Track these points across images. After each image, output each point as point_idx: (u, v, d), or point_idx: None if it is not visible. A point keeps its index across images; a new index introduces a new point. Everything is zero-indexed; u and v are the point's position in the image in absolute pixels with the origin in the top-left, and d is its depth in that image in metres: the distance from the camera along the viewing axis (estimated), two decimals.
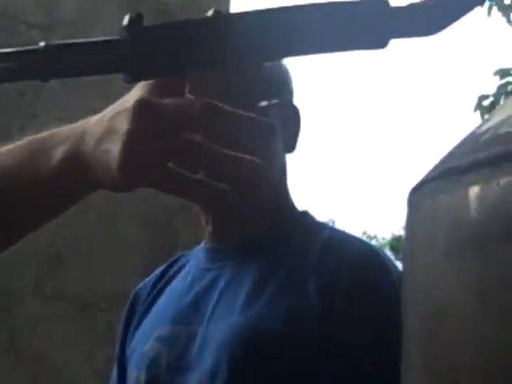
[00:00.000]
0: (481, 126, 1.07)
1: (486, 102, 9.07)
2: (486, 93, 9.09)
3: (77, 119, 3.28)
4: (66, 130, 1.39)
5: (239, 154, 1.24)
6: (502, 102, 8.97)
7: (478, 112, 9.05)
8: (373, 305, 1.91)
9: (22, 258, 3.09)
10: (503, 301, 0.90)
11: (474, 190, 0.95)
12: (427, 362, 1.00)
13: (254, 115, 1.27)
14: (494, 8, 8.89)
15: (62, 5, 3.25)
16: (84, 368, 3.09)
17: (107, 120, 1.28)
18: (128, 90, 2.72)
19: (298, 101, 2.10)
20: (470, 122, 9.77)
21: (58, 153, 1.35)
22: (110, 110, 1.31)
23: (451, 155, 1.04)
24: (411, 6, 1.02)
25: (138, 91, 1.24)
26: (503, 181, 0.93)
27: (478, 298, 0.94)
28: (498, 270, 0.92)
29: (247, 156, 1.21)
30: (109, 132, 1.26)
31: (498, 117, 1.05)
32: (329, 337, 1.88)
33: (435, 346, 0.99)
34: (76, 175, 1.32)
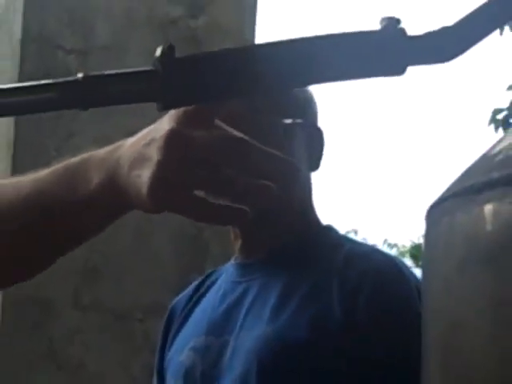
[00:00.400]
0: (494, 146, 1.08)
1: (499, 116, 9.03)
2: (499, 107, 9.05)
3: (112, 139, 3.29)
4: (102, 153, 1.40)
5: (262, 182, 1.26)
6: None
7: (493, 125, 9.01)
8: (393, 314, 1.91)
9: (62, 271, 3.10)
10: None
11: (489, 208, 0.96)
12: (443, 372, 1.01)
13: (280, 154, 1.30)
14: (506, 28, 8.87)
15: (96, 31, 3.26)
16: (120, 376, 3.09)
17: (141, 146, 1.30)
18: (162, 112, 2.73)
19: (322, 123, 2.10)
20: (484, 134, 9.69)
21: (96, 176, 1.36)
22: (145, 134, 1.33)
23: (466, 174, 1.05)
24: (427, 34, 1.02)
25: (170, 119, 1.25)
26: None
27: (492, 311, 0.94)
28: (511, 284, 0.93)
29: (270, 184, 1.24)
30: (141, 159, 1.28)
31: (510, 138, 1.06)
32: (350, 348, 1.89)
33: (451, 358, 0.99)
34: (112, 197, 1.34)
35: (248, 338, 1.97)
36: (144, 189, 1.25)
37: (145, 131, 1.35)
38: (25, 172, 3.04)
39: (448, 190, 1.06)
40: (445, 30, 1.04)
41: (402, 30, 1.02)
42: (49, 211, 1.41)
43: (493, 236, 0.95)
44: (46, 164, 3.10)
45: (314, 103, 2.11)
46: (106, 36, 3.27)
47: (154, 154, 1.25)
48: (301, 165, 2.04)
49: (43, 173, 1.48)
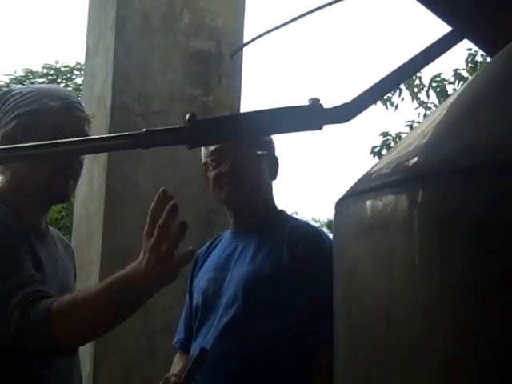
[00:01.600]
0: (372, 168, 1.07)
1: (375, 150, 9.03)
2: (375, 145, 9.07)
3: (164, 165, 3.23)
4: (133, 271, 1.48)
5: None
6: (384, 149, 8.93)
7: (371, 155, 9.01)
8: (317, 257, 1.91)
9: (135, 237, 3.08)
10: (387, 262, 0.90)
11: (369, 203, 0.96)
12: (346, 293, 1.00)
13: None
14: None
15: (152, 102, 3.25)
16: (167, 293, 3.05)
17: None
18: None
19: (277, 152, 2.12)
20: (366, 160, 9.67)
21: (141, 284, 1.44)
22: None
23: (357, 184, 1.04)
24: (335, 107, 1.02)
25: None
26: (384, 197, 0.93)
27: (371, 261, 0.93)
28: (382, 245, 0.93)
29: None
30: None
31: (381, 163, 1.05)
32: (294, 274, 1.90)
33: (350, 285, 0.99)
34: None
35: (237, 273, 1.97)
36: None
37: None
38: (113, 181, 3.06)
39: (347, 191, 1.06)
40: (345, 105, 1.04)
41: (321, 105, 1.02)
42: (115, 305, 1.47)
43: (372, 218, 0.94)
44: (126, 176, 3.09)
45: (272, 142, 2.11)
46: (157, 105, 3.25)
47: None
48: (266, 175, 2.06)
49: (107, 283, 1.50)
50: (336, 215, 1.07)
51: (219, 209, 3.22)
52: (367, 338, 0.91)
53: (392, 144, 8.97)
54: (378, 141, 9.09)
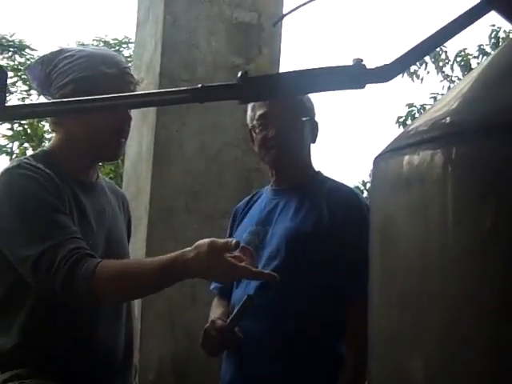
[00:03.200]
0: (409, 126, 1.06)
1: (401, 120, 8.93)
2: (400, 115, 8.97)
3: (206, 128, 3.25)
4: (185, 258, 1.47)
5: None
6: (409, 120, 8.83)
7: (397, 125, 8.92)
8: (355, 220, 1.89)
9: (180, 192, 3.11)
10: (422, 214, 0.89)
11: (407, 158, 0.95)
12: (383, 242, 1.00)
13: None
14: (405, 73, 8.74)
15: (197, 69, 3.23)
16: None
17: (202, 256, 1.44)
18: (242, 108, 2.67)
19: (318, 118, 2.12)
20: (392, 130, 9.59)
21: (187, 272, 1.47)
22: (195, 250, 1.47)
23: (395, 141, 1.03)
24: (377, 67, 1.01)
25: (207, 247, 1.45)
26: (421, 153, 0.92)
27: (408, 213, 0.93)
28: (418, 198, 0.92)
29: None
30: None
31: (417, 122, 1.04)
32: (333, 234, 1.90)
33: (387, 234, 0.98)
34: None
35: (280, 228, 1.97)
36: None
37: (194, 246, 1.49)
38: (161, 142, 3.08)
39: (385, 148, 1.05)
40: (386, 65, 1.02)
41: (364, 65, 1.01)
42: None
43: (409, 172, 0.94)
44: (172, 138, 3.11)
45: (314, 108, 2.11)
46: (202, 73, 3.24)
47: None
48: (308, 139, 2.06)
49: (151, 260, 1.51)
50: (374, 170, 1.06)
51: (257, 169, 3.24)
52: (402, 283, 0.90)
53: (417, 115, 8.86)
54: (404, 111, 8.99)
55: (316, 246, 1.89)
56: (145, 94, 1.07)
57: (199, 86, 0.94)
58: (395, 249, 0.94)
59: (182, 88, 0.96)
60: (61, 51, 1.73)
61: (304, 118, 2.02)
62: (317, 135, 2.10)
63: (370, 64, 1.00)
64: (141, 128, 3.25)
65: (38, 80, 1.73)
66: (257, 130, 2.03)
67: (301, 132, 2.02)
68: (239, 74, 0.95)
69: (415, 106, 8.95)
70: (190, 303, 3.07)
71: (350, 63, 1.00)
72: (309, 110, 2.06)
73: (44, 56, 1.74)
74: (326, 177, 2.09)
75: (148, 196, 3.09)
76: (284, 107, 1.98)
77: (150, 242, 2.94)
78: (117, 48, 11.64)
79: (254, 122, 2.03)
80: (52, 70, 1.69)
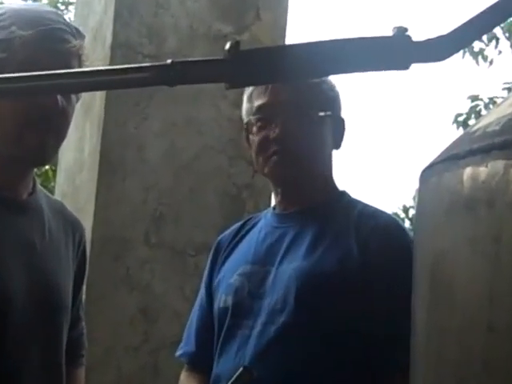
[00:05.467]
0: (473, 126, 1.07)
1: (460, 118, 9.00)
2: (460, 112, 9.03)
3: (175, 122, 3.28)
4: None
5: None
6: (472, 118, 8.89)
7: (455, 125, 8.98)
8: (398, 260, 1.88)
9: (137, 218, 3.12)
10: (491, 250, 0.90)
11: (469, 170, 0.96)
12: (432, 290, 1.00)
13: None
14: (467, 53, 8.84)
15: (166, 41, 3.25)
16: (177, 295, 3.10)
17: None
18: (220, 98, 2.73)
19: (344, 113, 2.13)
20: (448, 132, 9.65)
21: None
22: None
23: (452, 145, 1.04)
24: (427, 40, 1.01)
25: None
26: (491, 163, 0.93)
27: (469, 249, 0.94)
28: (486, 227, 0.93)
29: None
30: None
31: (485, 120, 1.05)
32: (365, 277, 1.90)
33: (438, 280, 0.99)
34: None
35: (288, 268, 1.96)
36: None
37: None
38: (111, 143, 3.08)
39: (438, 157, 1.06)
40: (440, 38, 1.03)
41: (409, 37, 1.01)
42: None
43: (473, 190, 0.94)
44: (127, 138, 3.11)
45: (339, 99, 2.11)
46: (173, 45, 3.26)
47: None
48: (328, 144, 2.07)
49: None
50: (422, 188, 1.07)
51: (250, 185, 3.25)
52: (460, 349, 0.91)
53: (483, 112, 8.91)
54: (465, 107, 9.05)
55: (340, 294, 1.89)
56: (87, 72, 1.07)
57: (168, 61, 0.95)
58: (450, 302, 0.95)
59: (142, 65, 0.96)
60: None
61: (323, 113, 2.02)
62: (342, 139, 2.10)
63: (417, 36, 1.01)
64: (81, 124, 3.26)
65: None
66: (254, 129, 2.03)
67: (318, 132, 2.03)
68: (227, 46, 0.95)
69: (481, 100, 9.02)
70: (149, 377, 3.06)
71: (388, 33, 1.00)
72: (331, 102, 2.06)
73: None
74: (354, 199, 2.09)
75: (90, 221, 3.09)
76: (294, 96, 1.99)
77: (91, 288, 2.93)
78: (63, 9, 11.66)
79: (251, 117, 2.04)
80: None
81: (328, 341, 1.89)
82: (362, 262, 1.91)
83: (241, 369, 1.80)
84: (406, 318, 1.82)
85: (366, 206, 2.06)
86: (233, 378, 1.81)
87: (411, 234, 2.03)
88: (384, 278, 1.89)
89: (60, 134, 1.74)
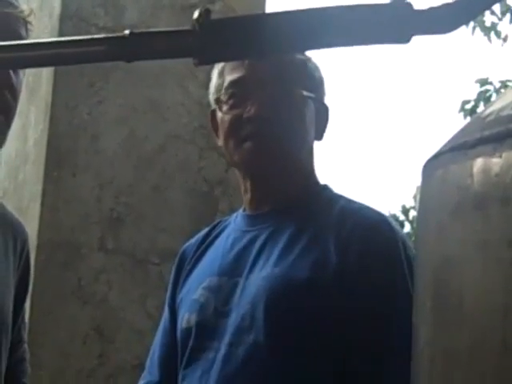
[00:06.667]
0: (484, 110, 1.07)
1: (468, 106, 9.06)
2: (468, 98, 9.09)
3: (135, 107, 3.28)
4: None
5: None
6: (481, 105, 8.95)
7: (462, 113, 9.04)
8: (381, 262, 1.92)
9: (90, 219, 3.11)
10: (506, 252, 0.90)
11: (480, 162, 0.96)
12: (437, 304, 1.00)
13: None
14: (477, 29, 8.89)
15: (125, 12, 3.25)
16: (138, 310, 3.10)
17: None
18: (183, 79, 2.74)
19: (328, 100, 2.13)
20: (454, 121, 9.75)
21: None
22: None
23: (461, 133, 1.04)
24: (431, 8, 1.01)
25: None
26: (505, 154, 0.93)
27: (480, 251, 0.94)
28: (498, 228, 0.92)
29: None
30: None
31: (498, 103, 1.05)
32: (345, 283, 1.90)
33: (443, 291, 0.99)
34: None
35: (257, 278, 1.96)
36: None
37: None
38: (60, 132, 3.07)
39: (443, 146, 1.05)
40: (446, 6, 1.03)
41: (409, 4, 1.01)
42: None
43: (484, 184, 0.94)
44: (79, 125, 3.11)
45: (324, 83, 2.11)
46: (133, 17, 3.26)
47: None
48: (310, 130, 2.06)
49: None
50: (425, 182, 1.07)
51: (224, 181, 3.25)
52: (471, 372, 0.91)
53: (494, 97, 8.97)
54: (473, 93, 9.10)
55: (316, 306, 1.90)
56: (28, 44, 1.07)
57: (126, 32, 0.94)
58: (458, 317, 0.95)
59: (95, 36, 0.96)
60: None
61: (306, 93, 2.02)
62: (325, 129, 2.10)
63: (419, 5, 1.01)
64: (25, 109, 3.25)
65: None
66: (224, 108, 2.01)
67: (301, 116, 2.02)
68: (196, 15, 0.95)
69: (491, 84, 9.07)
70: None
71: (386, 1, 1.00)
72: (316, 84, 2.07)
73: None
74: (336, 194, 2.10)
75: (36, 224, 3.09)
76: (275, 70, 1.98)
77: (36, 302, 2.92)
78: None
79: (221, 94, 2.02)
80: None
81: (303, 360, 1.89)
82: (341, 267, 1.91)
83: None
84: (393, 329, 1.86)
85: (349, 201, 2.06)
86: None
87: (402, 233, 2.06)
88: (365, 286, 1.90)
89: (10, 113, 1.75)
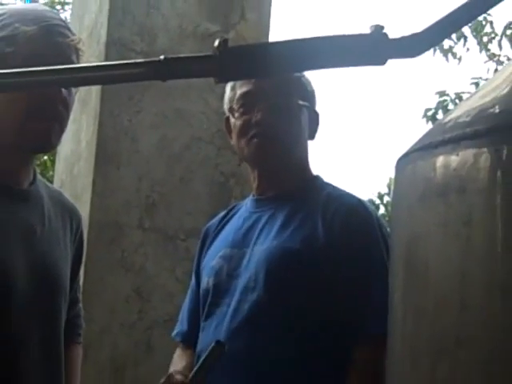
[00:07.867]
0: (445, 117, 1.07)
1: (429, 113, 9.00)
2: (429, 107, 9.03)
3: (166, 115, 3.27)
4: None
5: None
6: (440, 113, 8.89)
7: (424, 119, 8.98)
8: (360, 233, 1.94)
9: (131, 204, 3.11)
10: (462, 233, 0.90)
11: (441, 159, 0.96)
12: (408, 271, 1.01)
13: None
14: (438, 51, 8.84)
15: (157, 39, 3.24)
16: (169, 277, 3.10)
17: None
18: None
19: (319, 107, 2.16)
20: (417, 125, 9.66)
21: None
22: None
23: (426, 136, 1.04)
24: (403, 37, 1.01)
25: None
26: (461, 152, 0.93)
27: (442, 233, 0.94)
28: (457, 212, 0.93)
29: None
30: None
31: (456, 112, 1.05)
32: (330, 253, 1.92)
33: (413, 261, 0.99)
34: None
35: (260, 249, 1.99)
36: None
37: None
38: (106, 135, 3.07)
39: (412, 146, 1.05)
40: (414, 36, 1.02)
41: (385, 34, 1.01)
42: None
43: (445, 178, 0.94)
44: (122, 130, 3.10)
45: (315, 95, 2.14)
46: (164, 43, 3.25)
47: None
48: (305, 132, 2.08)
49: None
50: (398, 176, 1.07)
51: (237, 174, 3.24)
52: (435, 326, 0.91)
53: (450, 106, 8.92)
54: (433, 102, 9.05)
55: (306, 271, 1.91)
56: (84, 67, 1.06)
57: (161, 57, 0.94)
58: (425, 281, 0.95)
59: (136, 61, 0.96)
60: None
61: (301, 102, 2.04)
62: (316, 131, 2.12)
63: (393, 34, 1.01)
64: (78, 117, 3.25)
65: None
66: (236, 114, 2.04)
67: (297, 120, 2.04)
68: (216, 43, 0.95)
69: (448, 96, 9.01)
70: (143, 353, 3.06)
71: (366, 31, 1.00)
72: (308, 95, 2.09)
73: None
74: (325, 182, 2.10)
75: (87, 208, 3.08)
76: (276, 85, 2.00)
77: (88, 270, 2.92)
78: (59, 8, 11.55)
79: (234, 104, 2.05)
80: None
81: (295, 313, 1.90)
82: (327, 240, 1.93)
83: (213, 343, 1.81)
84: (370, 287, 1.87)
85: (334, 188, 2.08)
86: (206, 353, 1.83)
87: (377, 213, 2.08)
88: (348, 255, 1.90)
89: (63, 122, 1.74)
